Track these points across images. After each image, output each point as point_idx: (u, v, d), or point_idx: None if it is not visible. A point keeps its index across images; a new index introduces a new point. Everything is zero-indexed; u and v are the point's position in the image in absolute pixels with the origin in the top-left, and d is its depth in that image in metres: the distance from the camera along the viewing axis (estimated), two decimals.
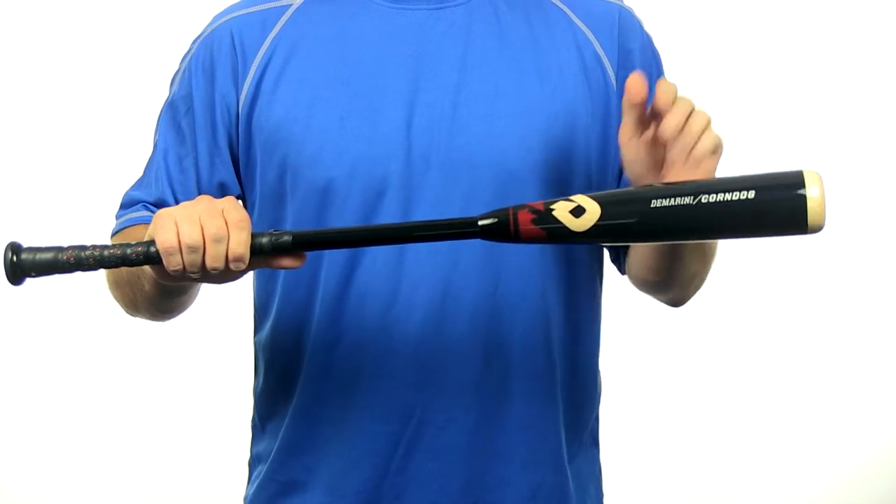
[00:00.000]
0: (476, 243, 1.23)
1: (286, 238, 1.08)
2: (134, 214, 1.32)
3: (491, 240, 1.10)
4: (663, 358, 2.75)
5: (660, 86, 1.11)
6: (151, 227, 1.09)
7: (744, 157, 2.68)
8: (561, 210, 1.08)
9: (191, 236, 1.05)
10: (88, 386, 2.69)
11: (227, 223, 1.06)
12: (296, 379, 1.31)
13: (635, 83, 1.12)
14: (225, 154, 1.31)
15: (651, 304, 1.43)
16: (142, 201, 1.33)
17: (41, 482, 2.70)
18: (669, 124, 1.10)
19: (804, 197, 1.03)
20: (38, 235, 2.40)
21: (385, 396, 1.27)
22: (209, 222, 1.06)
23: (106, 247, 1.06)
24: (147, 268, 1.11)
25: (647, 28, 1.36)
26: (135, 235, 1.28)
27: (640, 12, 1.36)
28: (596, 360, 1.39)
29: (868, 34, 2.75)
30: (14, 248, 1.05)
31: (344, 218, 1.24)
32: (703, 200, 1.04)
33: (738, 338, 2.77)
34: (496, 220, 1.09)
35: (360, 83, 1.26)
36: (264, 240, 1.07)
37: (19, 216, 2.63)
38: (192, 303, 1.30)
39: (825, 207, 1.04)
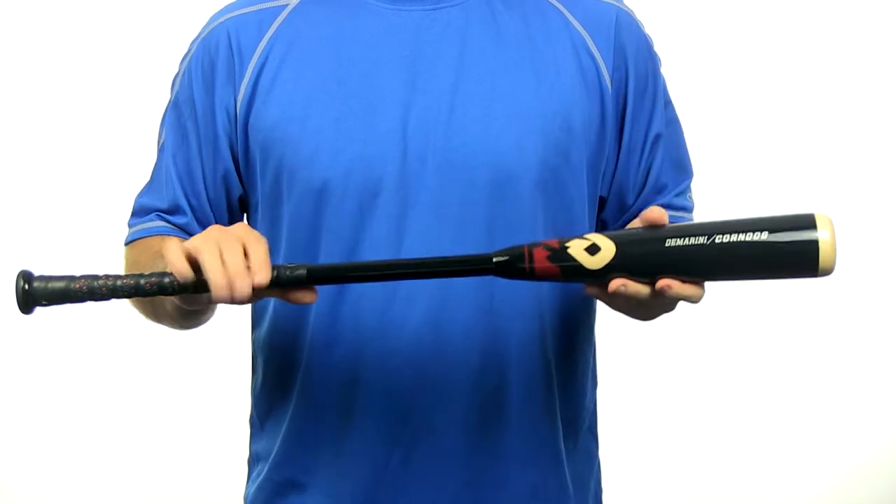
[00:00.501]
0: (474, 247, 1.23)
1: (301, 272, 1.07)
2: (148, 225, 1.33)
3: (505, 277, 1.11)
4: (663, 357, 2.75)
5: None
6: (167, 257, 1.05)
7: (744, 156, 2.71)
8: (576, 248, 1.09)
9: (215, 273, 1.03)
10: (88, 385, 2.69)
11: (246, 252, 1.05)
12: (293, 379, 1.31)
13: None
14: (227, 156, 1.31)
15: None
16: (154, 209, 1.33)
17: (41, 482, 2.70)
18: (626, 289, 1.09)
19: (816, 240, 1.05)
20: (44, 243, 2.43)
21: (383, 398, 1.26)
22: (229, 255, 1.03)
23: (119, 277, 1.05)
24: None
25: (648, 30, 1.36)
26: (149, 246, 1.29)
27: (639, 13, 1.36)
28: (592, 360, 1.39)
29: (868, 36, 2.74)
30: (26, 276, 1.03)
31: (340, 218, 1.24)
32: (717, 241, 1.06)
33: (738, 338, 2.77)
34: (510, 257, 1.10)
35: (356, 83, 1.25)
36: (281, 272, 1.06)
37: (23, 223, 2.64)
38: (214, 313, 1.29)
39: (836, 251, 1.05)
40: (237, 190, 1.33)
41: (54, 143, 2.67)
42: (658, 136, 1.33)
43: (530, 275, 1.10)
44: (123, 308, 1.31)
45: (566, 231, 1.27)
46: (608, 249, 1.08)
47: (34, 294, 1.03)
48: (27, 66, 2.66)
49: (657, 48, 1.36)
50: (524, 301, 1.27)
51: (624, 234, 1.10)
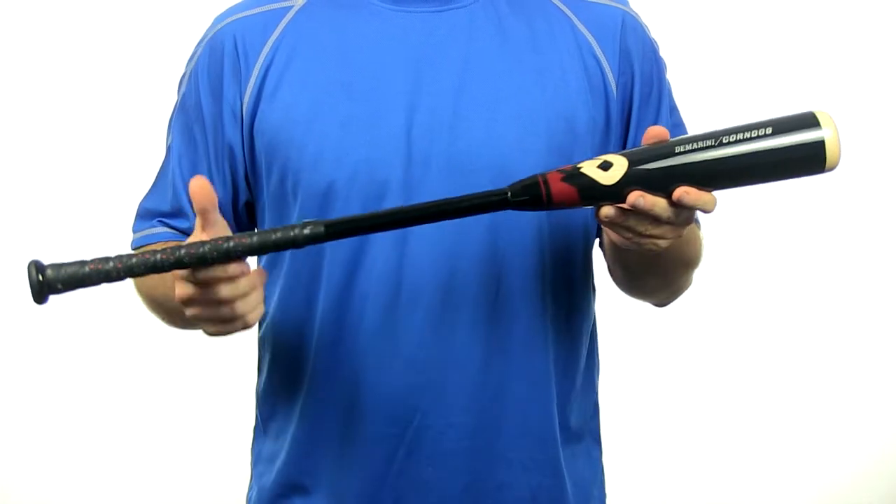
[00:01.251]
0: (478, 243, 1.23)
1: (319, 229, 1.06)
2: (150, 231, 1.33)
3: (524, 209, 1.10)
4: (664, 359, 2.75)
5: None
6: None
7: None
8: (589, 166, 1.09)
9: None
10: (90, 385, 2.69)
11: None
12: (298, 380, 1.31)
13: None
14: (232, 159, 1.31)
15: (651, 307, 1.43)
16: (157, 213, 1.34)
17: (42, 482, 2.70)
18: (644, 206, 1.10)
19: (822, 139, 1.07)
20: (47, 242, 2.42)
21: (386, 400, 1.26)
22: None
23: (132, 255, 1.03)
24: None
25: (654, 34, 1.36)
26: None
27: (644, 15, 1.36)
28: (595, 365, 1.39)
29: (867, 36, 2.74)
30: (38, 266, 1.02)
31: None
32: (723, 141, 1.08)
33: (739, 339, 2.77)
34: (525, 186, 1.10)
35: (361, 86, 1.25)
36: (297, 231, 1.05)
37: (26, 221, 2.64)
38: None
39: (840, 146, 1.08)
40: (244, 193, 1.33)
41: (56, 143, 2.66)
42: None
43: (548, 201, 1.10)
44: (125, 309, 1.32)
45: (568, 231, 1.28)
46: (620, 164, 1.08)
47: (49, 281, 1.01)
48: (33, 67, 2.65)
49: (662, 51, 1.36)
50: (527, 301, 1.27)
51: (633, 149, 1.11)
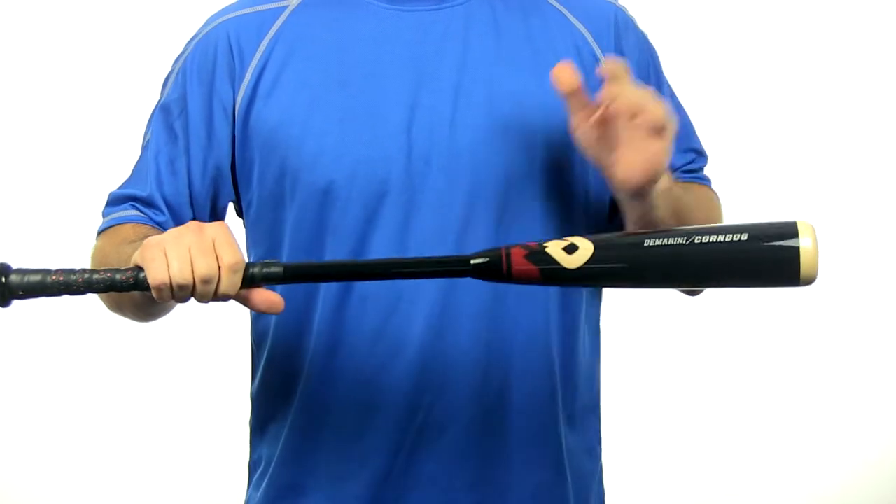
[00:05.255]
0: (477, 245, 1.23)
1: (276, 269, 1.07)
2: (121, 213, 1.30)
3: (482, 279, 1.10)
4: (664, 359, 2.75)
5: (606, 62, 1.13)
6: (139, 255, 1.07)
7: (742, 155, 2.71)
8: (554, 248, 1.08)
9: (182, 276, 1.04)
10: (87, 388, 2.68)
11: (219, 263, 1.05)
12: (295, 382, 1.31)
13: (562, 74, 1.13)
14: (221, 156, 1.30)
15: (652, 307, 1.43)
16: (130, 197, 1.31)
17: (41, 485, 2.69)
18: (609, 90, 1.11)
19: (797, 248, 1.03)
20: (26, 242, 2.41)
21: (387, 401, 1.26)
22: (200, 261, 1.04)
23: (95, 271, 1.06)
24: None
25: (642, 26, 1.37)
26: (117, 232, 1.27)
27: (636, 11, 1.37)
28: (597, 363, 1.39)
29: (867, 37, 2.75)
30: (3, 269, 1.05)
31: (345, 220, 1.24)
32: (696, 241, 1.05)
33: (739, 339, 2.77)
34: (488, 259, 1.09)
35: (358, 85, 1.25)
36: (255, 270, 1.07)
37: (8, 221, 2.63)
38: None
39: (818, 260, 1.04)
40: (227, 191, 1.32)
41: (36, 142, 2.65)
42: None
43: (508, 276, 1.09)
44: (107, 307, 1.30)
45: (570, 230, 1.27)
46: (586, 249, 1.07)
47: (10, 286, 1.04)
48: (21, 66, 2.64)
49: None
50: (528, 304, 1.27)
51: (602, 235, 1.10)
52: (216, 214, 1.34)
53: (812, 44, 2.74)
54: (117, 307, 1.28)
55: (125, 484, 2.69)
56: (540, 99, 1.26)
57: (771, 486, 2.77)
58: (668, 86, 1.37)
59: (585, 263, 1.06)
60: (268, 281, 1.07)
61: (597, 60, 1.30)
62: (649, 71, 1.33)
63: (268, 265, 1.07)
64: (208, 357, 2.61)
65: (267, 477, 1.34)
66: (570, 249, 1.07)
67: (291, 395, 1.31)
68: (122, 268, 1.07)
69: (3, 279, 1.04)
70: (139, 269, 1.06)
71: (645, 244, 1.06)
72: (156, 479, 2.69)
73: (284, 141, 1.25)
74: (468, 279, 1.23)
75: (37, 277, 1.05)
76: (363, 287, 1.25)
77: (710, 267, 1.05)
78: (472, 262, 1.09)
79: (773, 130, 2.74)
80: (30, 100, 2.64)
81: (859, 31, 2.75)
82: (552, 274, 1.07)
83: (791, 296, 2.70)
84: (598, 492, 1.41)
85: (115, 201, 1.32)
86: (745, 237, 1.04)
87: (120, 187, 1.34)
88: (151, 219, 1.30)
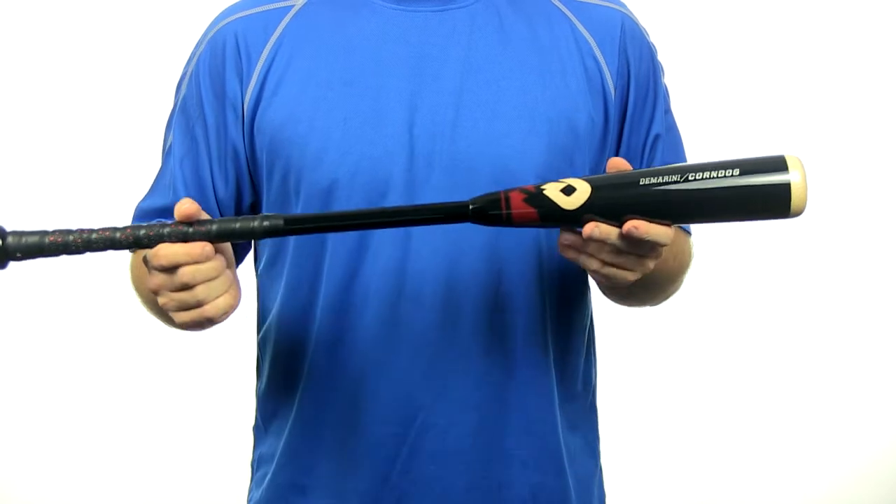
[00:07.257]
0: (478, 242, 1.24)
1: (278, 221, 1.08)
2: None
3: (483, 223, 1.11)
4: (664, 360, 2.76)
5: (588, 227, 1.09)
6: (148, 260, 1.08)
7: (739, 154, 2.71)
8: (552, 189, 1.09)
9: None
10: (91, 387, 2.69)
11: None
12: (298, 380, 1.31)
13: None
14: (239, 159, 1.31)
15: (651, 307, 1.43)
16: (156, 209, 1.32)
17: (42, 484, 2.69)
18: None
19: (788, 183, 1.07)
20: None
21: (388, 399, 1.27)
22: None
23: (93, 230, 1.06)
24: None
25: (652, 38, 1.37)
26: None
27: (641, 15, 1.37)
28: (594, 364, 1.39)
29: (866, 36, 2.76)
30: (0, 232, 1.05)
31: None
32: (690, 178, 1.07)
33: (738, 339, 2.77)
34: (487, 202, 1.10)
35: (362, 85, 1.26)
36: (255, 223, 1.07)
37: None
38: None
39: (807, 192, 1.07)
40: (249, 194, 1.33)
41: (52, 144, 2.65)
42: (657, 137, 1.34)
43: (507, 220, 1.10)
44: (125, 310, 1.31)
45: None
46: (583, 190, 1.08)
47: (7, 249, 1.04)
48: (28, 68, 2.64)
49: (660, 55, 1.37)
50: (527, 298, 1.28)
51: (599, 175, 1.11)
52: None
53: (812, 43, 2.75)
54: (159, 312, 1.28)
55: (129, 482, 2.70)
56: (543, 101, 1.26)
57: (770, 486, 2.78)
58: (665, 99, 1.37)
59: (582, 204, 1.08)
60: (269, 234, 1.08)
61: (599, 66, 1.30)
62: (648, 85, 1.33)
63: (267, 218, 1.08)
64: (211, 356, 2.62)
65: (269, 476, 1.34)
66: (568, 191, 1.08)
67: (293, 393, 1.32)
68: (122, 226, 1.07)
69: (2, 242, 1.04)
70: (139, 227, 1.06)
71: (641, 183, 1.08)
72: (159, 478, 2.69)
73: (289, 139, 1.26)
74: (472, 281, 1.25)
75: (34, 238, 1.05)
76: (365, 283, 1.25)
77: (704, 203, 1.07)
78: (470, 206, 1.10)
79: (773, 130, 2.74)
80: (31, 100, 2.64)
81: (860, 31, 2.75)
82: (551, 214, 1.09)
83: (791, 296, 2.73)
84: (599, 493, 1.41)
85: (142, 216, 1.33)
86: (737, 172, 1.07)
87: (145, 198, 1.35)
88: None
